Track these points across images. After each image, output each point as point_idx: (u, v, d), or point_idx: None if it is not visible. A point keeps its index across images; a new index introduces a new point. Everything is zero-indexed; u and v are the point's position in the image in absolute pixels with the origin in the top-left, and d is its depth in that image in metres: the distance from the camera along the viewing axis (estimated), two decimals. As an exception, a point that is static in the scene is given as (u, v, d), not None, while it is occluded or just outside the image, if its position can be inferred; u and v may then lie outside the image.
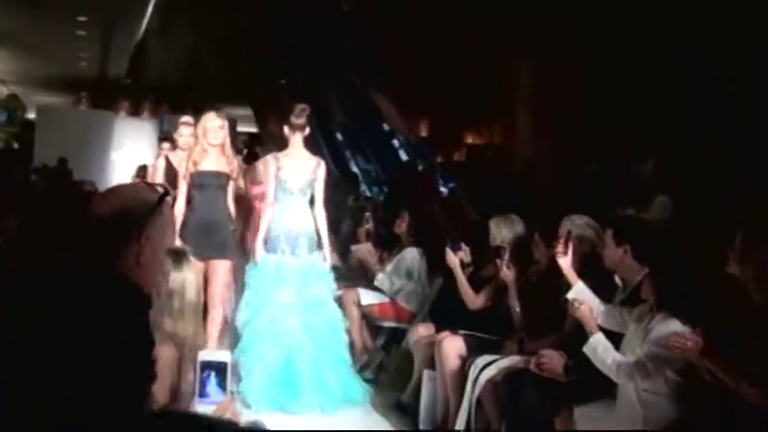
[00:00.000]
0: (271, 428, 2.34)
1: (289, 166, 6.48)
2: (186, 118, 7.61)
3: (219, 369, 2.32)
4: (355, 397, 6.22)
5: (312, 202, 6.48)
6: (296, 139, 6.55)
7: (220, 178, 6.55)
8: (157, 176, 7.26)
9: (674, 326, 3.83)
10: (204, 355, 2.39)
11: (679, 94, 8.79)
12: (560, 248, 4.67)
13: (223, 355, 2.39)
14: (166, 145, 8.53)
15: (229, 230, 6.62)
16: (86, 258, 1.99)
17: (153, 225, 2.07)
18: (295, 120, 6.55)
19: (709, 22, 8.29)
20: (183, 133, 7.56)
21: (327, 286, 6.50)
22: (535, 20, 11.43)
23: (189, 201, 6.53)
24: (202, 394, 2.32)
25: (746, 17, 7.81)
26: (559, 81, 12.09)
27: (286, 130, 6.57)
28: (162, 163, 7.56)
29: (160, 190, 2.16)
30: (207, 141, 6.54)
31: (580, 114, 11.54)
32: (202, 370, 2.32)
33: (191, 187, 6.52)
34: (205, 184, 6.52)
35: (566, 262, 4.66)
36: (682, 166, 7.68)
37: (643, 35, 9.84)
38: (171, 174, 7.16)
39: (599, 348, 4.16)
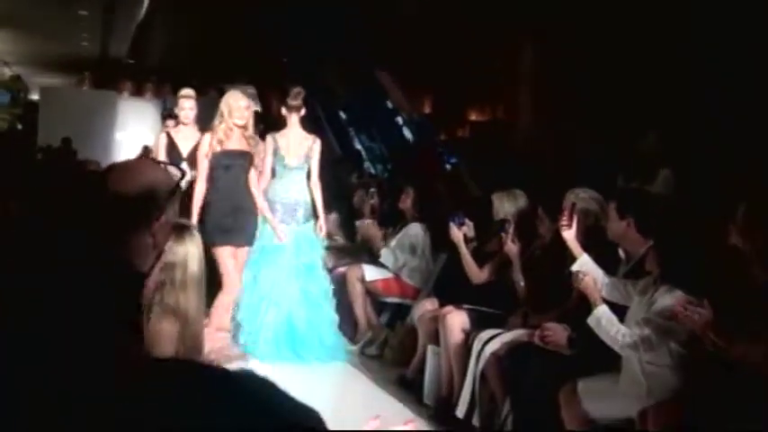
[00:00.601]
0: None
1: (286, 145, 6.98)
2: (187, 90, 7.26)
3: None
4: (341, 352, 6.90)
5: (309, 175, 7.02)
6: (293, 120, 7.05)
7: (245, 158, 6.63)
8: (159, 154, 7.02)
9: (678, 297, 3.84)
10: None
11: (679, 71, 8.75)
12: (565, 221, 4.66)
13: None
14: (171, 122, 8.40)
15: (254, 215, 6.71)
16: (101, 239, 1.97)
17: (170, 207, 2.09)
18: (291, 101, 7.07)
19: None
20: (185, 107, 7.20)
21: (319, 253, 7.10)
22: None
23: (210, 181, 6.61)
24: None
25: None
26: (561, 58, 12.06)
27: (283, 110, 7.10)
28: (163, 140, 7.17)
29: (178, 172, 2.18)
30: (232, 121, 6.56)
31: (581, 92, 11.52)
32: None
33: (214, 168, 6.58)
34: (231, 164, 6.60)
35: (570, 234, 4.65)
36: (683, 140, 7.67)
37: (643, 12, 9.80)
38: (173, 151, 7.01)
39: (603, 320, 4.16)
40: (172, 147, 7.06)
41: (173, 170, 2.23)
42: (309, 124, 7.11)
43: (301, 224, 6.97)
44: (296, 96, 7.10)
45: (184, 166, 6.52)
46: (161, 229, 2.07)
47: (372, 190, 7.79)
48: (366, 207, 7.80)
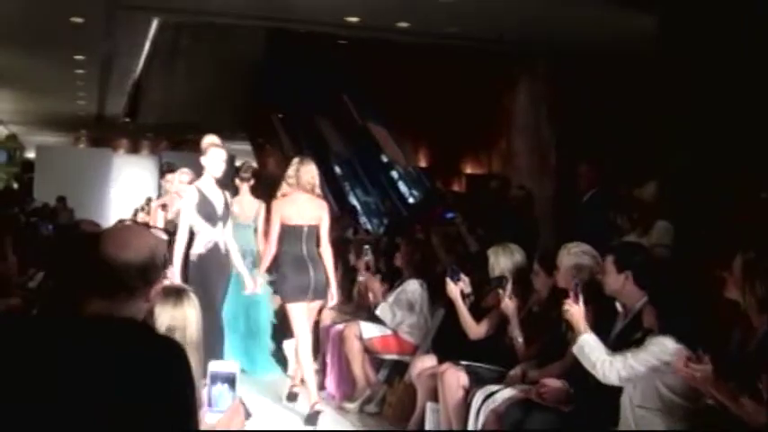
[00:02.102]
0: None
1: (239, 207, 7.68)
2: (215, 139, 7.30)
3: (228, 379, 2.39)
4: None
5: (256, 230, 7.93)
6: (244, 188, 7.98)
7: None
8: (189, 209, 6.64)
9: (668, 341, 3.90)
10: (213, 367, 2.46)
11: (675, 114, 8.85)
12: (571, 299, 4.54)
13: (231, 366, 2.46)
14: (171, 176, 8.18)
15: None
16: (106, 303, 2.01)
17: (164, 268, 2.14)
18: (243, 174, 8.03)
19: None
20: (218, 158, 6.80)
21: (265, 290, 7.65)
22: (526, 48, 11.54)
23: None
24: (211, 404, 2.38)
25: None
26: (554, 106, 12.19)
27: (236, 180, 8.00)
28: (194, 194, 6.69)
29: (165, 236, 2.23)
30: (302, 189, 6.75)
31: (576, 141, 11.61)
32: (212, 381, 2.38)
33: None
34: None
35: (578, 312, 4.43)
36: (681, 191, 7.71)
37: (637, 58, 9.93)
38: (206, 206, 6.70)
39: (586, 347, 4.17)
40: (204, 202, 6.69)
41: (162, 235, 2.27)
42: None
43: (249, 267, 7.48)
44: (246, 170, 8.05)
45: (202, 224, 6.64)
46: (156, 293, 2.12)
47: (366, 247, 7.79)
48: (361, 264, 7.79)
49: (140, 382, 1.83)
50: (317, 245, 6.77)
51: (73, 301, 2.02)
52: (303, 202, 6.72)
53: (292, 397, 7.19)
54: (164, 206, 7.42)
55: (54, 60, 13.76)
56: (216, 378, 2.40)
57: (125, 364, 1.86)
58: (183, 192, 7.21)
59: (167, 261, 2.16)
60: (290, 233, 6.71)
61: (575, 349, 4.24)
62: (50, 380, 1.84)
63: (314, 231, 6.74)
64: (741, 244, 4.17)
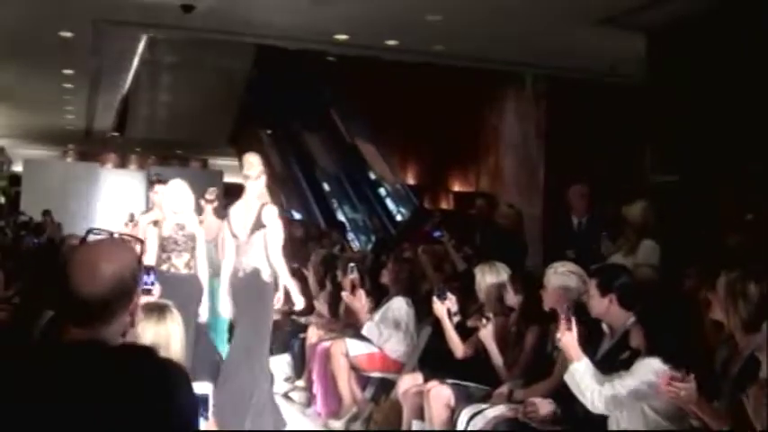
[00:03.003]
0: None
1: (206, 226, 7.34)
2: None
3: (200, 400, 2.37)
4: None
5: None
6: (207, 209, 7.68)
7: None
8: (148, 242, 6.55)
9: (655, 363, 3.91)
10: None
11: (661, 134, 8.90)
12: (563, 325, 4.47)
13: (204, 387, 2.44)
14: (160, 187, 7.69)
15: None
16: (84, 331, 1.99)
17: (139, 282, 2.11)
18: (208, 197, 7.73)
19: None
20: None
21: None
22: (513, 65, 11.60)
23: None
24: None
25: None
26: (542, 124, 12.25)
27: (201, 202, 7.57)
28: (152, 232, 6.81)
29: (138, 247, 2.19)
30: None
31: (564, 159, 11.67)
32: None
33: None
34: None
35: (571, 340, 4.32)
36: (668, 211, 7.74)
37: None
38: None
39: (577, 375, 4.17)
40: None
41: (135, 246, 2.24)
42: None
43: None
44: (211, 194, 7.76)
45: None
46: (136, 305, 2.11)
47: (352, 265, 7.78)
48: (346, 282, 7.77)
49: (144, 407, 1.82)
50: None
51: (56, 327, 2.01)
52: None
53: None
54: (155, 222, 7.03)
55: (42, 74, 13.74)
56: None
57: (126, 391, 1.84)
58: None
59: (139, 275, 2.11)
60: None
61: (566, 377, 4.23)
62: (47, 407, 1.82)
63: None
64: (725, 265, 4.20)
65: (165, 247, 6.73)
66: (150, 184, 8.06)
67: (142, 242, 2.22)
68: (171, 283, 6.28)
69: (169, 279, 6.43)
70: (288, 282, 6.66)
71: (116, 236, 2.33)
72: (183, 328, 3.15)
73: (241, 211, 6.63)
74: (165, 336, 3.05)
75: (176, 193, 6.90)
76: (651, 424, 3.97)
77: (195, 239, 6.85)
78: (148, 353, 1.98)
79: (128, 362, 1.83)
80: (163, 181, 7.65)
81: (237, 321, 6.74)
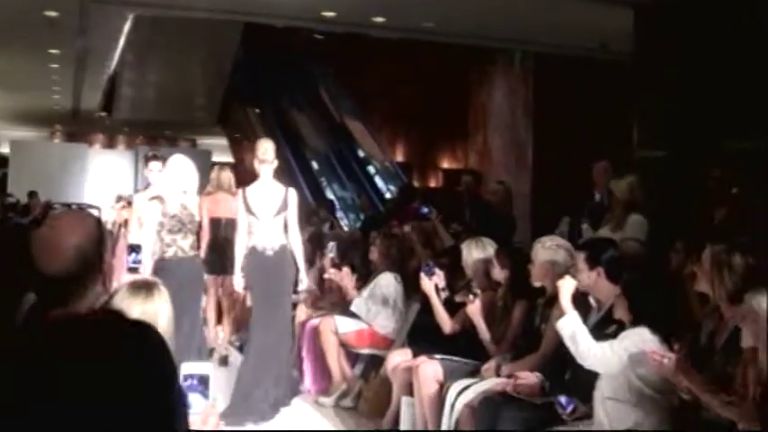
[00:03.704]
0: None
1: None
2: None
3: (201, 380, 2.38)
4: None
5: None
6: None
7: None
8: (148, 221, 6.53)
9: (645, 332, 3.97)
10: (186, 368, 2.44)
11: (649, 109, 8.92)
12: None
13: (205, 368, 2.44)
14: (154, 164, 7.43)
15: None
16: (61, 298, 1.99)
17: (105, 249, 2.10)
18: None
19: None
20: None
21: None
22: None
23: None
24: (185, 405, 2.38)
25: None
26: (531, 102, 12.25)
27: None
28: (157, 209, 6.52)
29: (96, 212, 2.20)
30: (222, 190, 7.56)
31: (553, 137, 11.68)
32: (184, 380, 2.37)
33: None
34: None
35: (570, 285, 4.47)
36: (655, 186, 7.77)
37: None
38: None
39: (572, 323, 4.22)
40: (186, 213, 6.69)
41: (91, 212, 2.25)
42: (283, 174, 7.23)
43: None
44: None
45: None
46: (108, 272, 2.09)
47: (331, 244, 7.81)
48: (326, 262, 7.80)
49: (114, 378, 1.81)
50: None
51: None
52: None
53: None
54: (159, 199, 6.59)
55: (28, 54, 13.64)
56: (189, 379, 2.39)
57: (95, 364, 1.83)
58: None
59: (103, 241, 2.09)
60: (215, 225, 7.91)
61: (558, 324, 4.26)
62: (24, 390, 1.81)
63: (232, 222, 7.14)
64: (711, 238, 4.23)
65: (171, 228, 6.47)
66: (145, 160, 7.70)
67: (99, 209, 2.23)
68: (179, 267, 6.37)
69: (176, 263, 6.44)
70: (301, 261, 6.85)
71: (75, 208, 2.34)
72: (170, 306, 3.14)
73: (262, 192, 6.71)
74: (152, 314, 3.04)
75: (183, 170, 6.67)
76: (636, 393, 4.00)
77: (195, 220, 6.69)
78: (118, 318, 1.98)
79: (96, 330, 1.83)
80: (159, 158, 7.46)
81: (262, 296, 6.75)
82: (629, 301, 4.15)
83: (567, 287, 4.42)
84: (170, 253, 6.47)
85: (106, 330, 1.66)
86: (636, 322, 4.09)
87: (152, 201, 6.64)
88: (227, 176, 8.43)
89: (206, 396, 2.38)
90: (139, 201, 7.30)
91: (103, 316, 1.78)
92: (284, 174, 19.41)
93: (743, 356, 3.54)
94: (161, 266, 6.28)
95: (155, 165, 7.38)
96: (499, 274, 5.62)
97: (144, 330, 1.32)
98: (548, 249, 5.15)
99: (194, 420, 2.35)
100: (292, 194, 6.79)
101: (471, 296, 5.53)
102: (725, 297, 3.86)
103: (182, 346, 5.32)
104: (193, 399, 2.37)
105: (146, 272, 5.75)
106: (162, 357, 1.28)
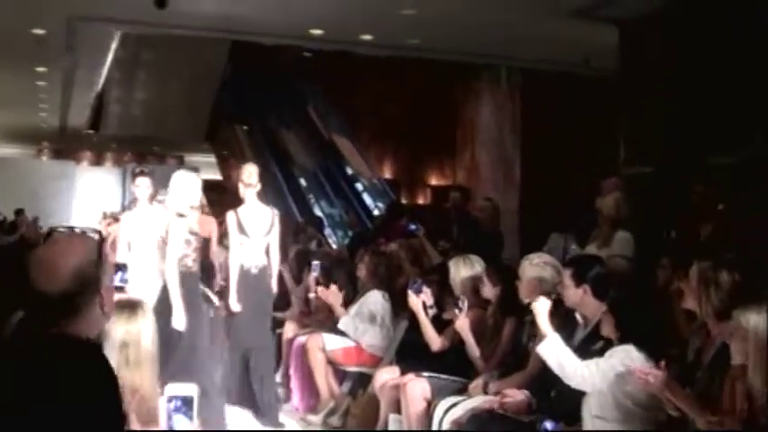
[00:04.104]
0: None
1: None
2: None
3: (186, 401, 2.37)
4: None
5: None
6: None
7: None
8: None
9: (631, 350, 3.98)
10: (171, 389, 2.44)
11: (635, 125, 8.96)
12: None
13: (189, 389, 2.43)
14: (141, 180, 7.18)
15: None
16: (54, 318, 1.99)
17: (103, 273, 2.10)
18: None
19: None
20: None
21: None
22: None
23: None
24: (170, 426, 2.37)
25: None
26: (518, 119, 12.30)
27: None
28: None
29: (96, 236, 2.18)
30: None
31: (540, 153, 11.73)
32: (169, 402, 2.36)
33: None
34: None
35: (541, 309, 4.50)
36: (641, 202, 7.79)
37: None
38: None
39: (554, 346, 4.22)
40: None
41: (92, 234, 2.24)
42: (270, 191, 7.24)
43: None
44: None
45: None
46: (105, 297, 2.09)
47: (315, 263, 7.80)
48: (311, 281, 7.80)
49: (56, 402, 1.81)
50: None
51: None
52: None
53: None
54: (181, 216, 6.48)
55: (15, 72, 13.63)
56: (173, 400, 2.38)
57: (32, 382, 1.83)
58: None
59: (102, 267, 2.09)
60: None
61: (541, 350, 4.26)
62: None
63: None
64: (698, 254, 4.24)
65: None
66: (132, 176, 7.47)
67: (101, 233, 2.22)
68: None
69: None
70: (275, 281, 7.09)
71: (77, 230, 2.32)
72: (155, 326, 3.13)
73: (252, 214, 6.88)
74: (135, 333, 3.03)
75: (190, 186, 6.54)
76: (623, 411, 4.00)
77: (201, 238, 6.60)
78: (78, 347, 1.97)
79: (51, 355, 1.83)
80: (147, 173, 7.34)
81: (245, 314, 6.80)
82: (616, 318, 4.15)
83: (541, 308, 4.43)
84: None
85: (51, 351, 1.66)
86: (623, 339, 4.09)
87: (180, 218, 6.45)
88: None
89: (190, 417, 2.37)
90: (127, 219, 7.18)
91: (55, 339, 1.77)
92: (272, 191, 19.44)
93: (730, 373, 3.54)
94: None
95: (142, 181, 7.19)
96: (490, 291, 5.60)
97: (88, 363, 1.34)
98: (535, 266, 5.15)
99: None
100: (277, 217, 7.02)
101: (457, 310, 5.51)
102: (712, 314, 3.87)
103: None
104: (177, 420, 2.36)
105: (133, 291, 5.71)
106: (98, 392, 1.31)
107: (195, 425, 2.41)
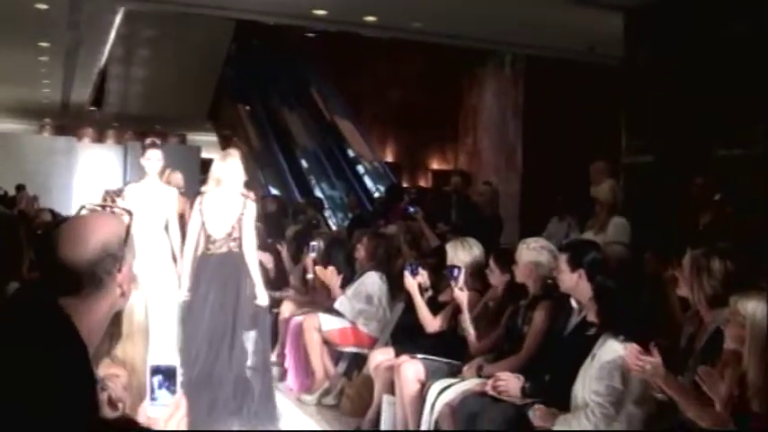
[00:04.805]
0: None
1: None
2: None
3: (168, 373, 2.37)
4: None
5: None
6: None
7: None
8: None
9: (616, 346, 3.93)
10: (153, 360, 2.45)
11: (637, 113, 8.94)
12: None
13: (172, 360, 2.44)
14: (152, 153, 6.96)
15: None
16: (72, 300, 2.01)
17: (127, 253, 2.12)
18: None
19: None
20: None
21: None
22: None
23: None
24: (153, 398, 2.38)
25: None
26: (521, 105, 12.28)
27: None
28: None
29: (126, 216, 2.20)
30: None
31: (542, 140, 11.71)
32: (152, 374, 2.37)
33: None
34: None
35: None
36: (639, 189, 7.80)
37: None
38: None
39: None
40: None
41: (121, 214, 2.25)
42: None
43: None
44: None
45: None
46: (127, 277, 2.11)
47: (313, 244, 7.79)
48: (309, 262, 7.80)
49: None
50: None
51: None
52: None
53: None
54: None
55: (18, 47, 13.59)
56: (156, 372, 2.39)
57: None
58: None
59: (127, 244, 2.12)
60: None
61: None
62: None
63: None
64: (694, 243, 4.23)
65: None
66: (143, 148, 7.09)
67: (131, 213, 2.24)
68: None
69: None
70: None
71: (107, 209, 2.35)
72: (146, 298, 3.13)
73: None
74: (128, 306, 3.03)
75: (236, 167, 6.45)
76: (616, 401, 3.98)
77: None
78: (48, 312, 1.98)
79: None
80: (158, 146, 7.06)
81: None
82: (597, 305, 4.15)
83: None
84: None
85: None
86: (603, 326, 4.09)
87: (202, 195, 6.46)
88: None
89: (172, 391, 2.37)
90: (132, 192, 7.02)
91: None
92: (272, 171, 19.45)
93: (722, 358, 3.55)
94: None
95: (153, 153, 6.95)
96: (498, 278, 5.54)
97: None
98: (532, 250, 5.14)
99: (160, 414, 2.34)
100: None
101: (453, 281, 5.46)
102: (704, 301, 3.87)
103: None
104: (161, 393, 2.37)
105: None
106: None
107: (177, 397, 2.41)
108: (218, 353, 6.18)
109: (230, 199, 6.31)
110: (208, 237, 6.29)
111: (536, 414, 4.23)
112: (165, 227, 6.87)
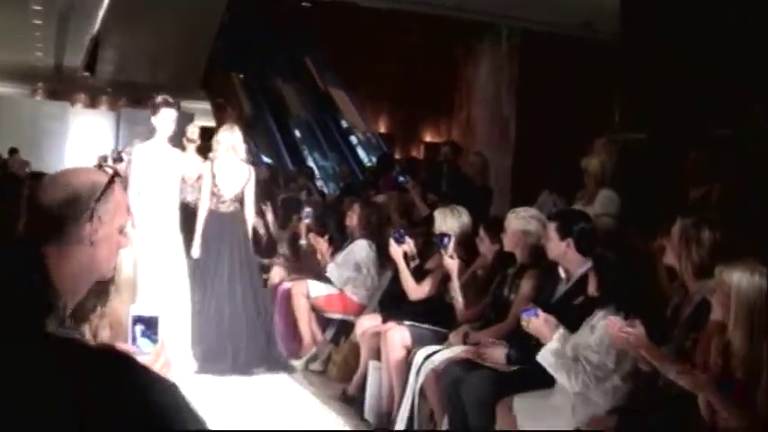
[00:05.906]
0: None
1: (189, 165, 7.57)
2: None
3: (150, 323, 2.38)
4: None
5: None
6: (190, 148, 8.05)
7: None
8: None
9: (613, 320, 3.90)
10: (135, 310, 2.46)
11: (630, 87, 8.93)
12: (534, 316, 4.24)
13: (153, 310, 2.45)
14: (167, 111, 6.75)
15: None
16: (33, 237, 2.02)
17: (104, 206, 2.11)
18: (190, 136, 8.14)
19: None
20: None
21: None
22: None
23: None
24: (134, 346, 2.40)
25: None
26: (515, 78, 12.25)
27: (184, 140, 7.93)
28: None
29: (109, 171, 2.21)
30: None
31: (535, 113, 11.69)
32: (134, 323, 2.38)
33: None
34: None
35: (540, 324, 4.19)
36: (629, 162, 7.78)
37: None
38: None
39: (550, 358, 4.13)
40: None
41: (104, 171, 2.26)
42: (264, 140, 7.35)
43: None
44: (193, 133, 8.13)
45: None
46: (102, 227, 2.09)
47: (307, 210, 7.81)
48: (302, 228, 7.81)
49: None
50: None
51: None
52: None
53: None
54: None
55: (10, 9, 13.50)
56: (138, 321, 2.40)
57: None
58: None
59: (107, 199, 2.12)
60: None
61: (540, 357, 4.17)
62: None
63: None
64: (682, 212, 4.24)
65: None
66: (154, 107, 6.82)
67: (116, 171, 2.28)
68: None
69: None
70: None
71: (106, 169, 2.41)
72: (134, 252, 3.13)
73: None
74: (117, 261, 3.03)
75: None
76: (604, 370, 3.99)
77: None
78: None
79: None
80: (173, 104, 6.83)
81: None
82: (598, 277, 4.15)
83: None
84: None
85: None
86: (604, 299, 4.09)
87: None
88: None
89: (154, 340, 2.38)
90: (140, 152, 6.84)
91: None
92: (265, 140, 19.41)
93: (707, 328, 3.56)
94: None
95: (168, 113, 6.75)
96: (488, 248, 5.55)
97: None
98: (521, 219, 5.15)
99: (144, 363, 2.35)
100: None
101: (443, 249, 5.47)
102: (691, 271, 3.87)
103: None
104: (142, 342, 2.38)
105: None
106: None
107: (158, 347, 2.42)
108: (244, 306, 6.89)
109: (239, 165, 7.01)
110: (219, 197, 6.96)
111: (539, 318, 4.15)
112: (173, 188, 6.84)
